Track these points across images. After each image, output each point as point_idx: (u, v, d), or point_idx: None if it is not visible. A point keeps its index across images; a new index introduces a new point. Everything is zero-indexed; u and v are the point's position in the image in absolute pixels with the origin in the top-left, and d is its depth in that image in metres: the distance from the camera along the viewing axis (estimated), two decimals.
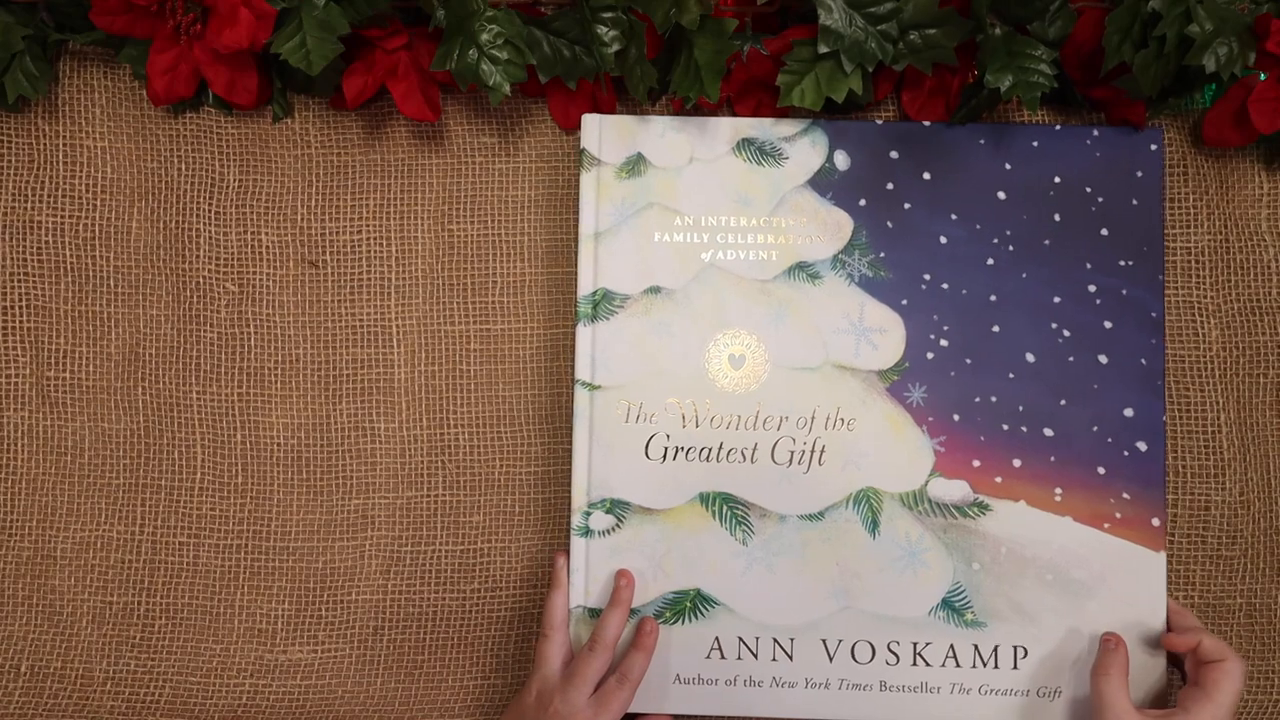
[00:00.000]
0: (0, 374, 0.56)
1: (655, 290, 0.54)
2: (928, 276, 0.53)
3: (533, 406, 0.57)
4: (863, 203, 0.54)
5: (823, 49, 0.50)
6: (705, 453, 0.53)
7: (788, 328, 0.54)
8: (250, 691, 0.55)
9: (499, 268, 0.57)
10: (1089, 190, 0.53)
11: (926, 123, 0.54)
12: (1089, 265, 0.53)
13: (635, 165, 0.54)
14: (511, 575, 0.57)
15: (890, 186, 0.54)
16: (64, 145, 0.56)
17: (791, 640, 0.52)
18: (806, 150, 0.54)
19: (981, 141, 0.54)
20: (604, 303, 0.54)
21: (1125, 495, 0.51)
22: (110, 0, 0.49)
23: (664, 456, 0.53)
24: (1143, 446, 0.52)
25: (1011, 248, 0.53)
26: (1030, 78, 0.50)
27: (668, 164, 0.54)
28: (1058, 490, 0.52)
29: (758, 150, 0.54)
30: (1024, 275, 0.53)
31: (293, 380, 0.57)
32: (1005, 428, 0.52)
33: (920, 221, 0.54)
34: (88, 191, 0.56)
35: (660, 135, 0.54)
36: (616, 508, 0.53)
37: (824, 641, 0.52)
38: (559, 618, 0.51)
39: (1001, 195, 0.53)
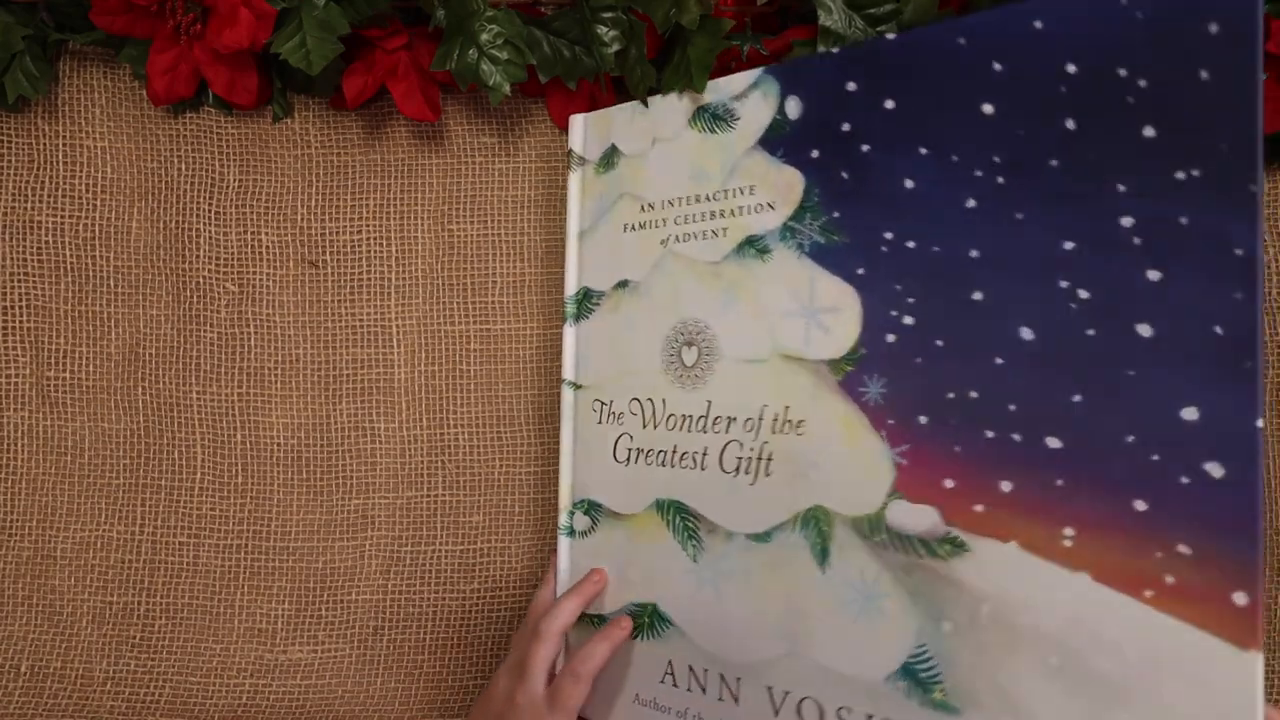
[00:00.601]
0: (0, 374, 0.56)
1: (623, 284, 0.51)
2: (889, 235, 0.41)
3: (532, 406, 0.57)
4: (815, 154, 0.44)
5: (822, 49, 0.50)
6: (661, 456, 0.48)
7: (736, 314, 0.46)
8: (250, 691, 0.55)
9: (499, 268, 0.57)
10: (1123, 74, 0.36)
11: (891, 35, 0.43)
12: (1121, 187, 0.35)
13: (610, 158, 0.52)
14: (511, 575, 0.57)
15: (846, 128, 0.43)
16: (64, 145, 0.56)
17: (738, 680, 0.45)
18: (758, 105, 0.46)
19: (961, 41, 0.40)
20: (584, 301, 0.52)
21: (1183, 549, 0.33)
22: (110, 0, 0.49)
23: (628, 459, 0.50)
24: (1216, 470, 0.33)
25: (1001, 180, 0.38)
26: None
27: (635, 150, 0.51)
28: (1067, 531, 0.36)
29: (711, 117, 0.48)
30: (1019, 216, 0.38)
31: (293, 380, 0.57)
32: (990, 435, 0.38)
33: (880, 165, 0.42)
34: (88, 191, 0.56)
35: (629, 121, 0.51)
36: (592, 510, 0.51)
37: (770, 690, 0.44)
38: (538, 610, 0.50)
39: (988, 109, 0.39)
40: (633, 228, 0.51)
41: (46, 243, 0.56)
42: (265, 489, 0.56)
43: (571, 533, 0.52)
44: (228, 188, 0.57)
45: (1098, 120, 0.36)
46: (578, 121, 0.54)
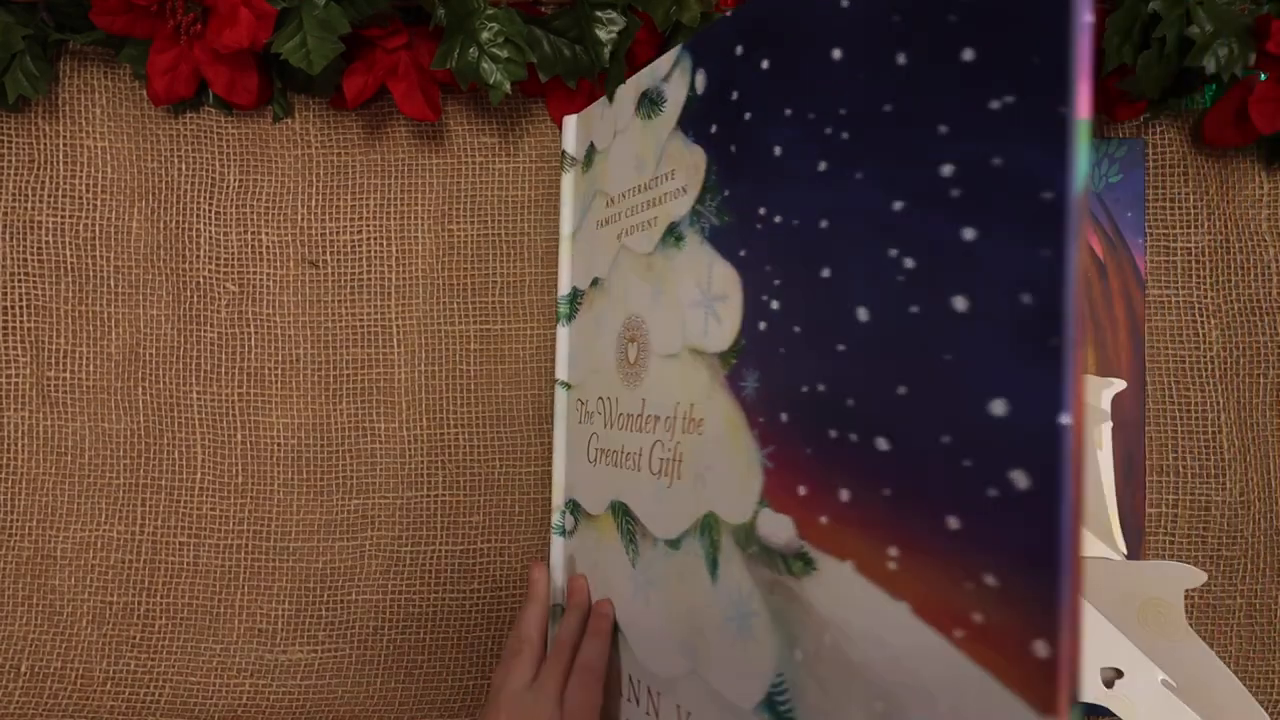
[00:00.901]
0: (0, 374, 0.56)
1: (596, 283, 0.50)
2: (763, 210, 0.37)
3: (532, 406, 0.57)
4: (714, 129, 0.40)
5: None
6: (615, 457, 0.46)
7: (662, 307, 0.43)
8: (250, 691, 0.55)
9: (498, 268, 0.57)
10: None
11: None
12: (943, 128, 0.29)
13: (590, 156, 0.52)
14: (511, 575, 0.57)
15: (735, 96, 0.39)
16: (64, 145, 0.56)
17: (659, 695, 0.42)
18: (678, 84, 0.43)
19: None
20: (574, 301, 0.52)
21: (990, 580, 0.26)
22: (110, 0, 0.49)
23: (595, 459, 0.48)
24: (1020, 480, 0.26)
25: (846, 135, 0.33)
26: None
27: (604, 146, 0.50)
28: (892, 552, 0.30)
29: (649, 102, 0.45)
30: (859, 175, 0.32)
31: (293, 380, 0.57)
32: (833, 435, 0.32)
33: (757, 133, 0.37)
34: (88, 191, 0.56)
35: (600, 117, 0.50)
36: (575, 510, 0.51)
37: (678, 708, 0.41)
38: (532, 630, 0.46)
39: (837, 54, 0.33)
40: (602, 224, 0.50)
41: (46, 243, 0.56)
42: (265, 489, 0.56)
43: (563, 532, 0.52)
44: (228, 188, 0.57)
45: (923, 50, 0.30)
46: (570, 122, 0.54)
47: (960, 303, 0.28)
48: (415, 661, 0.56)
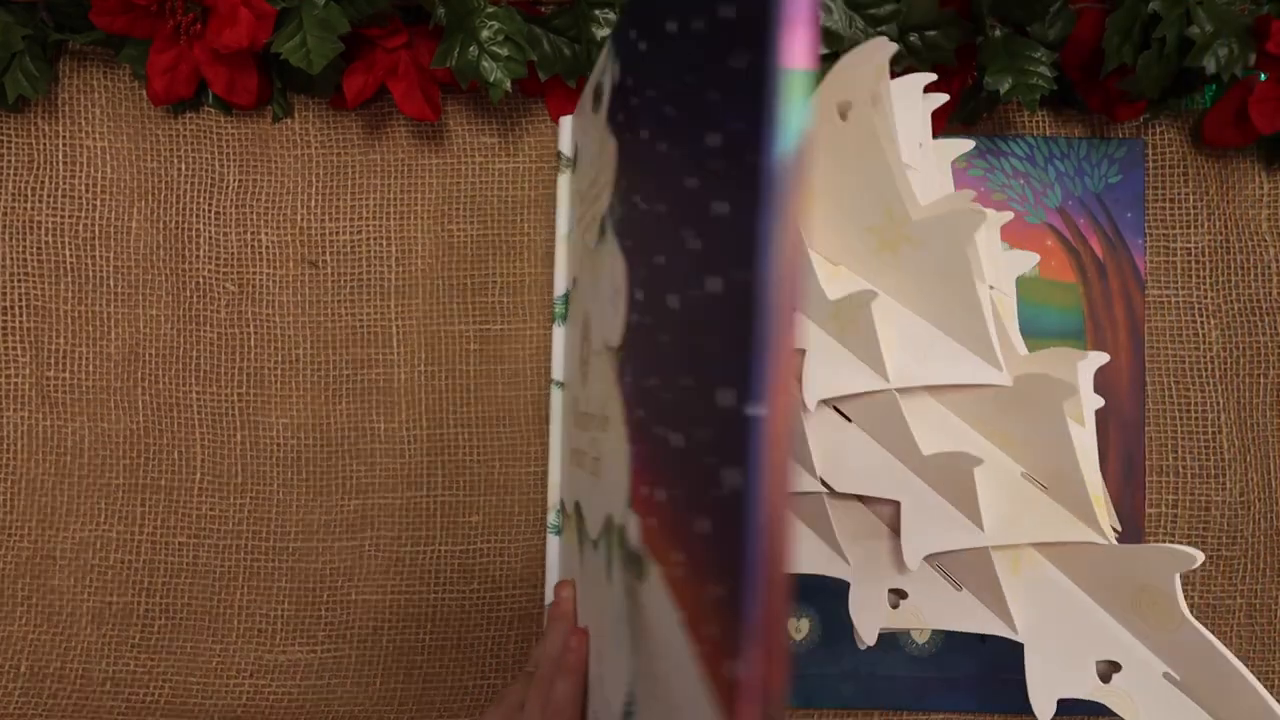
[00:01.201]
0: (0, 374, 0.56)
1: (575, 283, 0.50)
2: (637, 198, 0.34)
3: (532, 406, 0.57)
4: (620, 118, 0.38)
5: (823, 50, 0.50)
6: (577, 456, 0.45)
7: (596, 304, 0.42)
8: (250, 691, 0.55)
9: (498, 268, 0.57)
10: None
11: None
12: (714, 95, 0.25)
13: (577, 156, 0.51)
14: (511, 575, 0.57)
15: (630, 82, 0.36)
16: (64, 145, 0.56)
17: (587, 696, 0.41)
18: (608, 76, 0.41)
19: None
20: (567, 301, 0.53)
21: (716, 589, 0.23)
22: (110, 0, 0.49)
23: (569, 458, 0.49)
24: (732, 478, 0.22)
25: (671, 110, 0.30)
26: (1030, 80, 0.50)
27: (583, 145, 0.49)
28: (678, 557, 0.27)
29: (596, 97, 0.43)
30: (677, 154, 0.29)
31: (293, 380, 0.57)
32: (657, 431, 0.30)
33: (637, 118, 0.35)
34: (88, 191, 0.56)
35: (581, 115, 0.50)
36: (563, 509, 0.51)
37: (594, 714, 0.39)
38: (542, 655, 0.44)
39: (671, 27, 0.30)
40: (578, 223, 0.50)
41: (46, 243, 0.56)
42: (265, 489, 0.56)
43: (557, 531, 0.52)
44: (228, 188, 0.57)
45: (706, 13, 0.26)
46: (565, 123, 0.54)
47: (714, 284, 0.24)
48: (415, 661, 0.56)
